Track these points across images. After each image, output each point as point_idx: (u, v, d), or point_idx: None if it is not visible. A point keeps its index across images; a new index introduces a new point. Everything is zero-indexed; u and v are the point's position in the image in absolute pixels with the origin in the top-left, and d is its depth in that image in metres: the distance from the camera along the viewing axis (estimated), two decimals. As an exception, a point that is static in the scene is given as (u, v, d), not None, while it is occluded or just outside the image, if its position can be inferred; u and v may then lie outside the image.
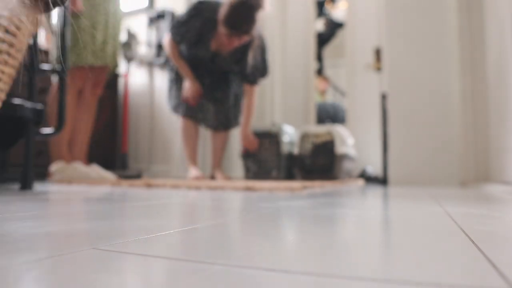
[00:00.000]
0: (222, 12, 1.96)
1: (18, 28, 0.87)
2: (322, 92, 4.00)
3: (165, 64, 2.67)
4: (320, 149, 2.44)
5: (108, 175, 2.12)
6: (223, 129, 2.37)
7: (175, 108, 2.32)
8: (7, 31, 0.84)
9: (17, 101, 1.24)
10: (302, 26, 3.61)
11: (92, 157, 2.61)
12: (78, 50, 2.06)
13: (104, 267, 0.27)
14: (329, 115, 3.75)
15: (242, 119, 2.32)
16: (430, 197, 1.05)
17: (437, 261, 0.30)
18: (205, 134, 3.20)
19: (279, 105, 3.56)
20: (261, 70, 2.25)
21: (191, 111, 2.24)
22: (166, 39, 2.24)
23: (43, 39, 3.10)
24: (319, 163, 2.41)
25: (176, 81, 2.35)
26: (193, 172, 2.25)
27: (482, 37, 2.18)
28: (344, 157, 2.42)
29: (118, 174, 2.41)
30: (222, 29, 2.00)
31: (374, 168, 3.02)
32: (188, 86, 2.17)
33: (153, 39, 3.55)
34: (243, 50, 2.15)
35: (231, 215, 0.59)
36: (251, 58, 2.16)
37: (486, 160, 2.15)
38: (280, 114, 3.53)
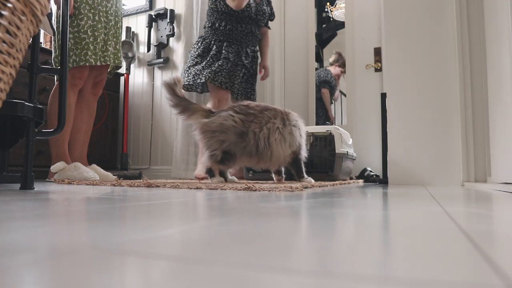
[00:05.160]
0: None
1: (18, 28, 0.87)
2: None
3: (165, 64, 2.69)
4: (318, 141, 2.45)
5: (108, 175, 2.11)
6: (245, 99, 2.55)
7: (213, 79, 2.37)
8: (7, 31, 0.84)
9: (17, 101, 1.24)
10: (302, 27, 3.60)
11: (92, 157, 2.61)
12: (79, 50, 2.06)
13: (104, 267, 0.27)
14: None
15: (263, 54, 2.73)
16: (430, 197, 1.05)
17: (436, 259, 0.30)
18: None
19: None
20: (272, 14, 2.69)
21: (230, 81, 2.40)
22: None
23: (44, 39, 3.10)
24: (316, 155, 2.41)
25: (213, 53, 2.44)
26: (200, 167, 2.24)
27: (482, 37, 2.18)
28: (344, 156, 2.42)
29: (118, 174, 2.41)
30: None
31: (374, 168, 3.02)
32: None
33: (153, 39, 3.55)
34: None
35: (231, 215, 0.59)
36: None
37: (486, 160, 2.15)
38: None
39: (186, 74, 2.50)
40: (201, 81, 2.41)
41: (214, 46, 2.46)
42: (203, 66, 2.43)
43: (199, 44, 2.53)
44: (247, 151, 1.71)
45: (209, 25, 2.52)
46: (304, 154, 1.86)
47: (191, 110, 1.77)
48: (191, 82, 2.46)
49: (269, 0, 2.67)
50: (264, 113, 1.75)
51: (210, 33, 2.51)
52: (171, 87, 1.77)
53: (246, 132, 1.70)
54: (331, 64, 3.79)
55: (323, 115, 3.75)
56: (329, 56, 3.94)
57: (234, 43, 2.47)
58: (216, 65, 2.40)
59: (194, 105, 1.79)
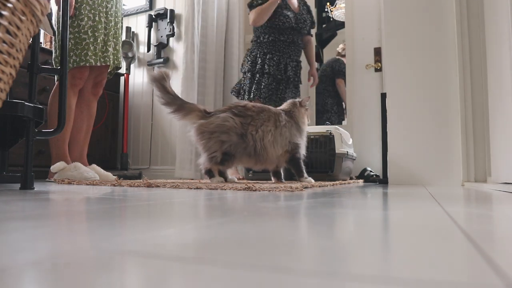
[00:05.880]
0: None
1: (18, 28, 0.87)
2: None
3: (165, 64, 2.70)
4: (316, 142, 2.45)
5: (108, 175, 2.11)
6: None
7: (259, 95, 2.59)
8: (7, 31, 0.84)
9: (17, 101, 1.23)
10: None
11: (92, 157, 2.61)
12: (79, 50, 2.06)
13: (104, 267, 0.27)
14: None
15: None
16: (430, 197, 1.05)
17: (436, 259, 0.30)
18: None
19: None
20: (313, 22, 2.90)
21: (271, 94, 2.58)
22: (250, 16, 2.67)
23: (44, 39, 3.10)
24: (316, 155, 2.41)
25: (257, 71, 2.63)
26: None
27: (482, 37, 2.18)
28: (344, 156, 2.42)
29: (118, 174, 2.41)
30: None
31: (374, 168, 3.02)
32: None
33: (153, 39, 3.55)
34: (304, 2, 2.83)
35: (231, 215, 0.59)
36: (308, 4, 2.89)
37: (486, 160, 2.15)
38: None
39: (241, 86, 2.74)
40: (251, 96, 2.63)
41: (260, 59, 2.66)
42: (255, 82, 2.65)
43: (248, 57, 2.74)
44: (247, 152, 1.71)
45: (255, 39, 2.76)
46: (302, 152, 1.85)
47: (186, 110, 1.74)
48: (247, 96, 2.69)
49: (309, 9, 2.86)
50: (260, 115, 1.76)
51: (256, 47, 2.73)
52: (161, 83, 1.71)
53: (245, 134, 1.70)
54: (343, 56, 3.71)
55: (337, 112, 3.66)
56: (329, 56, 3.94)
57: (276, 54, 2.66)
58: (262, 84, 2.62)
59: (189, 105, 1.77)
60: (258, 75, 2.65)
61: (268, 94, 2.60)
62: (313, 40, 2.93)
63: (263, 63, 2.65)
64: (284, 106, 1.94)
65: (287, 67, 2.67)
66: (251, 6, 2.67)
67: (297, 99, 1.95)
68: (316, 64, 3.00)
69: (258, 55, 2.69)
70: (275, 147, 1.75)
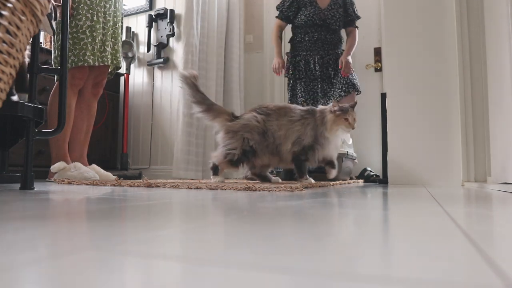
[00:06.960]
0: None
1: (18, 28, 0.87)
2: None
3: (165, 64, 2.70)
4: None
5: (108, 175, 2.11)
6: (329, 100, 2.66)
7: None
8: (7, 31, 0.84)
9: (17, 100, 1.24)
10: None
11: (92, 157, 2.61)
12: (77, 51, 2.06)
13: (104, 267, 0.27)
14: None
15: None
16: (430, 197, 1.05)
17: (436, 260, 0.30)
18: (204, 135, 3.19)
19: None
20: (356, 15, 2.73)
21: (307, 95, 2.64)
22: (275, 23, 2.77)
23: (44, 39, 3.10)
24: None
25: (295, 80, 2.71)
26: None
27: (482, 37, 2.18)
28: (344, 156, 2.42)
29: (118, 174, 2.40)
30: None
31: (374, 168, 3.02)
32: (275, 61, 2.70)
33: (153, 39, 3.55)
34: None
35: (231, 215, 0.59)
36: None
37: (486, 160, 2.15)
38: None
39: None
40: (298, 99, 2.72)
41: (290, 65, 2.72)
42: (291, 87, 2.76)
43: (288, 58, 2.78)
44: (269, 150, 1.74)
45: (290, 40, 2.80)
46: (312, 157, 1.78)
47: (215, 112, 1.79)
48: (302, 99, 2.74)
49: (345, 1, 2.69)
50: (277, 111, 1.79)
51: (291, 48, 2.77)
52: (192, 81, 1.77)
53: (266, 131, 1.74)
54: None
55: None
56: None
57: (303, 55, 2.67)
58: (297, 88, 2.70)
59: (217, 107, 1.82)
60: (291, 81, 2.71)
61: (311, 97, 2.65)
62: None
63: (295, 67, 2.69)
64: (321, 107, 1.87)
65: (315, 66, 2.65)
66: (277, 10, 2.76)
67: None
68: (350, 52, 2.71)
69: (289, 59, 2.72)
70: (286, 142, 1.75)
